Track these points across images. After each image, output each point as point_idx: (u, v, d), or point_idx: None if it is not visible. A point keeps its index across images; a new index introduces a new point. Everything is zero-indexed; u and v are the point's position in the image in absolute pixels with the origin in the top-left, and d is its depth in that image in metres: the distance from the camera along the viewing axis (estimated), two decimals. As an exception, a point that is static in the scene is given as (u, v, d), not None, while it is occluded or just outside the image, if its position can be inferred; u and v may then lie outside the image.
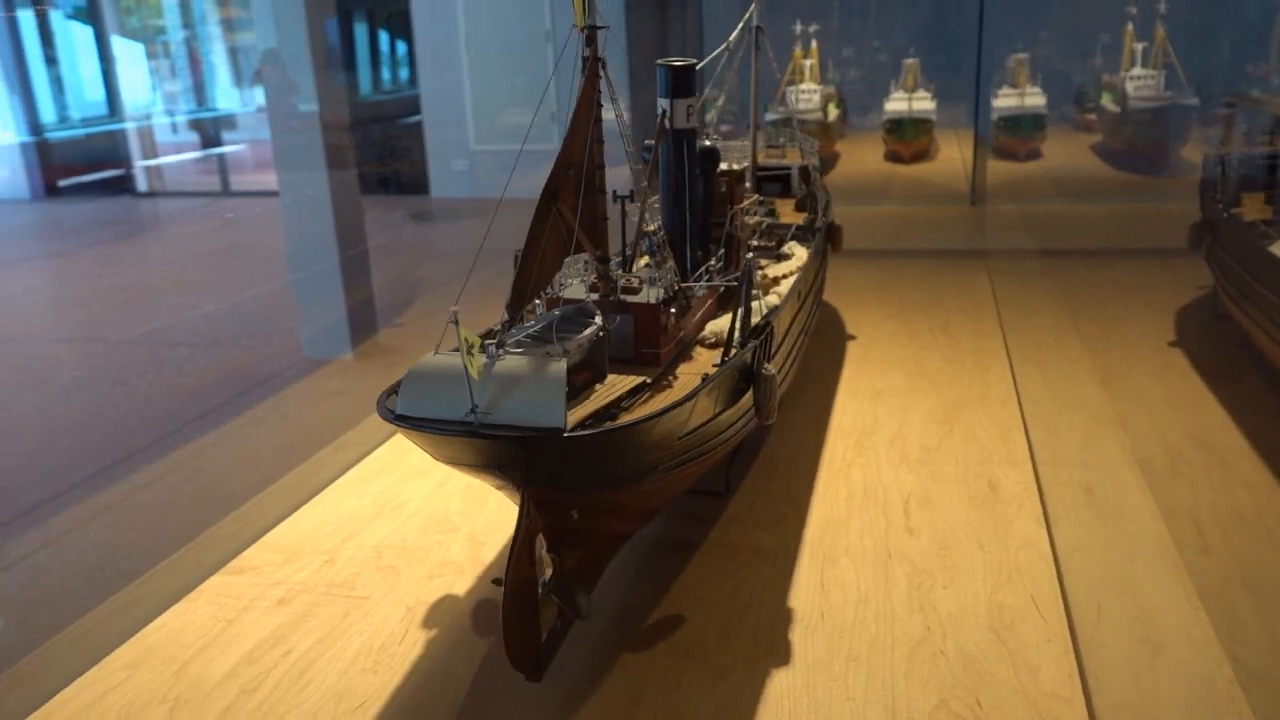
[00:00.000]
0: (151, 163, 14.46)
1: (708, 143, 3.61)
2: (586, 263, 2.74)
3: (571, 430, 2.00)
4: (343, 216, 6.28)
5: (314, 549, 3.16)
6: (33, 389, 6.53)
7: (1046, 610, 2.65)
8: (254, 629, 2.74)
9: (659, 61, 3.32)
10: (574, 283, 2.79)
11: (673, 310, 2.74)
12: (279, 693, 2.46)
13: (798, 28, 10.11)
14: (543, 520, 2.32)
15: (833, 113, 10.54)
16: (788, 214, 5.15)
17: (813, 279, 4.21)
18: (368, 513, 3.39)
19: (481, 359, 1.98)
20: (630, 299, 2.72)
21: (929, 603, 2.70)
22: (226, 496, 3.74)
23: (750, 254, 4.19)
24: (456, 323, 1.94)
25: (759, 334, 2.90)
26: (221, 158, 15.53)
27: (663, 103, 3.36)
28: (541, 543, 2.38)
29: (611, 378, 2.53)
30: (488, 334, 2.49)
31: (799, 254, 4.20)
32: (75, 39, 14.05)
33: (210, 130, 15.45)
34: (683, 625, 2.67)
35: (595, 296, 2.74)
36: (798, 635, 2.59)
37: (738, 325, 2.83)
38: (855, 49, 11.56)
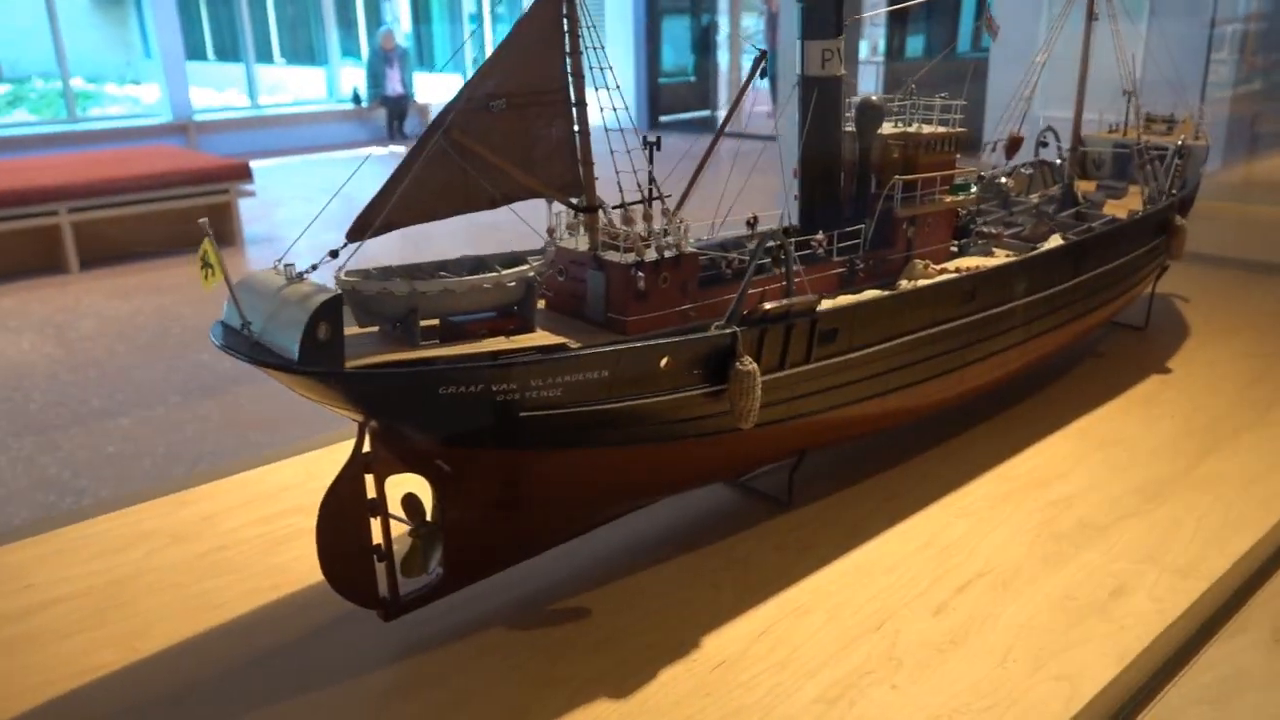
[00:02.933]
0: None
1: (874, 97, 3.01)
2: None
3: (314, 367, 1.88)
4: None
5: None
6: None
7: (988, 764, 1.91)
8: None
9: None
10: (573, 232, 2.56)
11: (656, 275, 2.38)
12: (285, 535, 2.81)
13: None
14: (396, 458, 2.21)
15: None
16: (1127, 204, 4.15)
17: (1045, 280, 3.31)
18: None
19: (207, 273, 1.94)
20: (609, 257, 2.43)
21: (852, 697, 2.10)
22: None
23: (979, 240, 3.48)
24: (209, 234, 1.92)
25: (767, 321, 2.41)
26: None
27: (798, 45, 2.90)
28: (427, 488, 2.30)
29: (539, 333, 2.31)
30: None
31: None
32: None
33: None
34: (577, 621, 2.40)
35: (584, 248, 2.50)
36: (670, 674, 2.19)
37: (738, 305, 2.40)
38: None
